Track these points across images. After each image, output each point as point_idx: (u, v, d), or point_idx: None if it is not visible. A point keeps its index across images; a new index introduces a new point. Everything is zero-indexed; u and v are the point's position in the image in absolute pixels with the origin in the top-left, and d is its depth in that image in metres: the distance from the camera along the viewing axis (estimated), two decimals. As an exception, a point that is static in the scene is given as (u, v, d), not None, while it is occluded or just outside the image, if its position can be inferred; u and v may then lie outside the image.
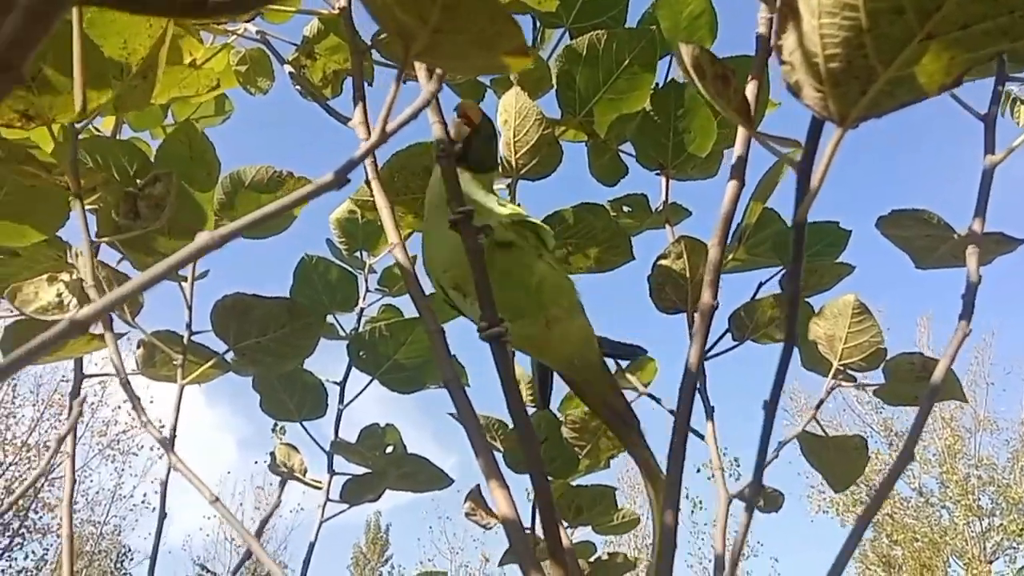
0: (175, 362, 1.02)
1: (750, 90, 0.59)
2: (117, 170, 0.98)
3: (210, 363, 0.95)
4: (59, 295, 1.14)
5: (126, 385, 0.71)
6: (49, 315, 1.13)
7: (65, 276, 1.14)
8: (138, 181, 0.86)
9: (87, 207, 0.93)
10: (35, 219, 1.04)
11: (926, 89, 0.34)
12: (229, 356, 1.00)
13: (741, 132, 0.65)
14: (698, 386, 0.72)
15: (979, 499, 14.44)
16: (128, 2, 0.25)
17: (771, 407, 0.46)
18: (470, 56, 0.30)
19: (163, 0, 0.26)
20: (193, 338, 1.07)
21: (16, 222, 1.04)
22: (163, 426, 0.86)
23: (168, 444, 0.70)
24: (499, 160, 0.88)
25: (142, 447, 15.09)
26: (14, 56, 0.21)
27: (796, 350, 1.04)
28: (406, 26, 0.30)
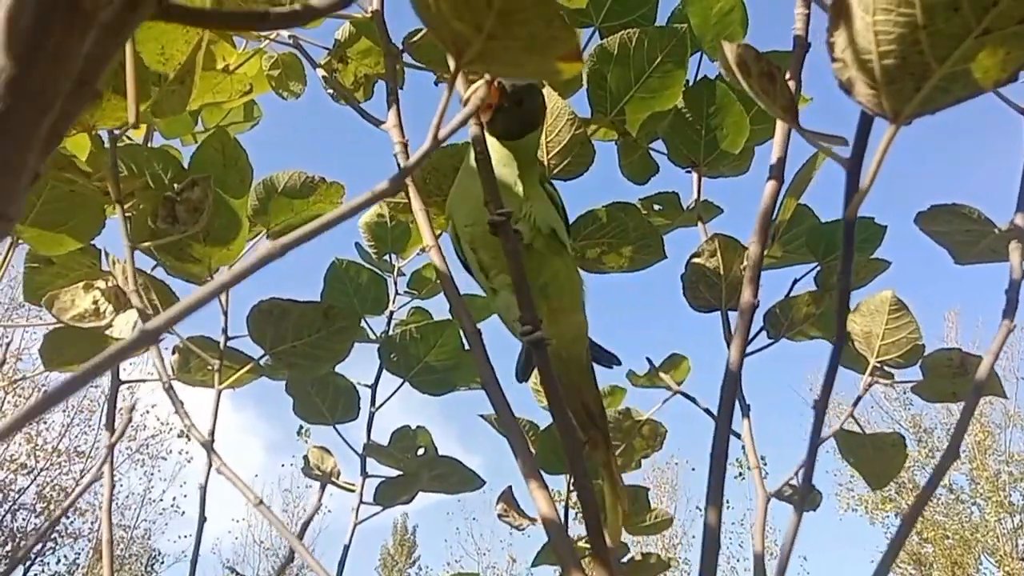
0: (211, 367, 1.03)
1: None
2: (152, 177, 0.99)
3: (246, 368, 0.96)
4: (95, 302, 1.15)
5: (169, 390, 0.71)
6: (86, 322, 1.14)
7: (100, 283, 1.15)
8: (175, 186, 0.87)
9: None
10: (72, 227, 1.05)
11: (982, 84, 0.33)
12: (264, 360, 1.00)
13: (780, 132, 0.64)
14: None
15: (1010, 495, 14.26)
16: (190, 15, 0.25)
17: (821, 407, 0.46)
18: (523, 62, 0.30)
19: (224, 14, 0.26)
20: (228, 343, 1.08)
21: (53, 231, 1.06)
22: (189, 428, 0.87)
23: (210, 447, 0.71)
24: (537, 119, 0.85)
25: (171, 451, 15.23)
26: (91, 72, 0.21)
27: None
28: (460, 34, 0.30)
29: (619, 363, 0.94)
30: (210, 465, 0.72)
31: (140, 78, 0.76)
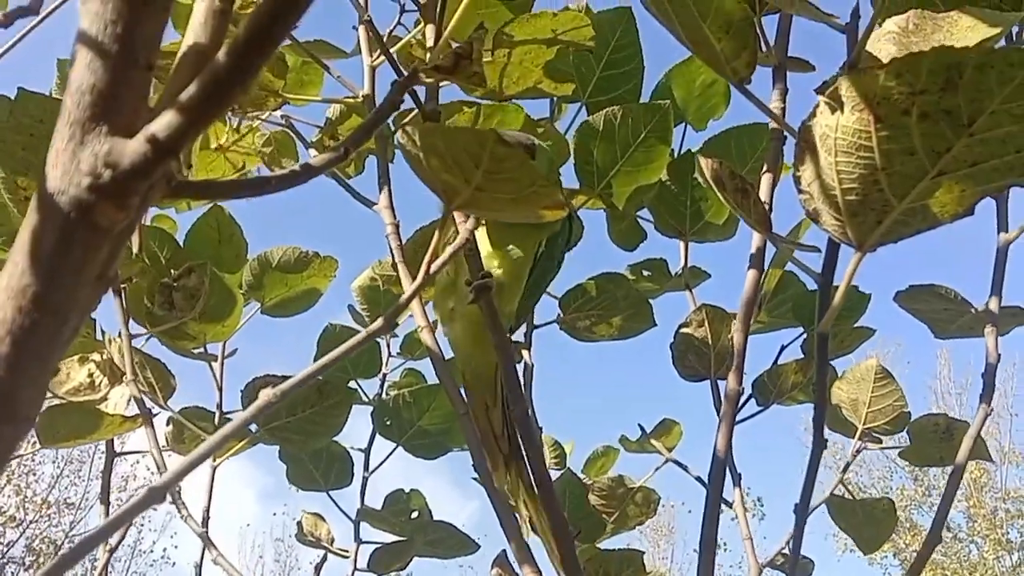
0: (205, 439, 1.04)
1: (765, 184, 0.61)
2: (148, 255, 1.01)
3: (242, 444, 0.97)
4: (90, 375, 1.16)
5: (161, 470, 0.72)
6: (81, 396, 1.15)
7: (95, 356, 1.16)
8: (172, 271, 0.89)
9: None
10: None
11: (940, 218, 0.35)
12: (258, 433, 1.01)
13: (757, 240, 0.66)
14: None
15: (1008, 532, 14.18)
16: (199, 190, 0.27)
17: (802, 510, 0.47)
18: (508, 209, 0.32)
19: (230, 184, 0.28)
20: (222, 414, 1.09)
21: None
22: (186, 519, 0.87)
23: (207, 539, 0.72)
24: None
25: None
26: (107, 266, 0.23)
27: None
28: (450, 184, 0.32)
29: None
30: (206, 556, 0.72)
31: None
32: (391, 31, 1.02)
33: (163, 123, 0.20)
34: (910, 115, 0.32)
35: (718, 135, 1.14)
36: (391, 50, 0.88)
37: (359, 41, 1.01)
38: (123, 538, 0.77)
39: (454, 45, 0.39)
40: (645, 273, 1.23)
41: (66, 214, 0.20)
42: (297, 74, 1.13)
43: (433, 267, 0.35)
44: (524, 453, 0.79)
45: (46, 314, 0.20)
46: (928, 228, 0.36)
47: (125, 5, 0.21)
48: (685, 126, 1.19)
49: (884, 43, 0.48)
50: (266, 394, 0.30)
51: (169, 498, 0.85)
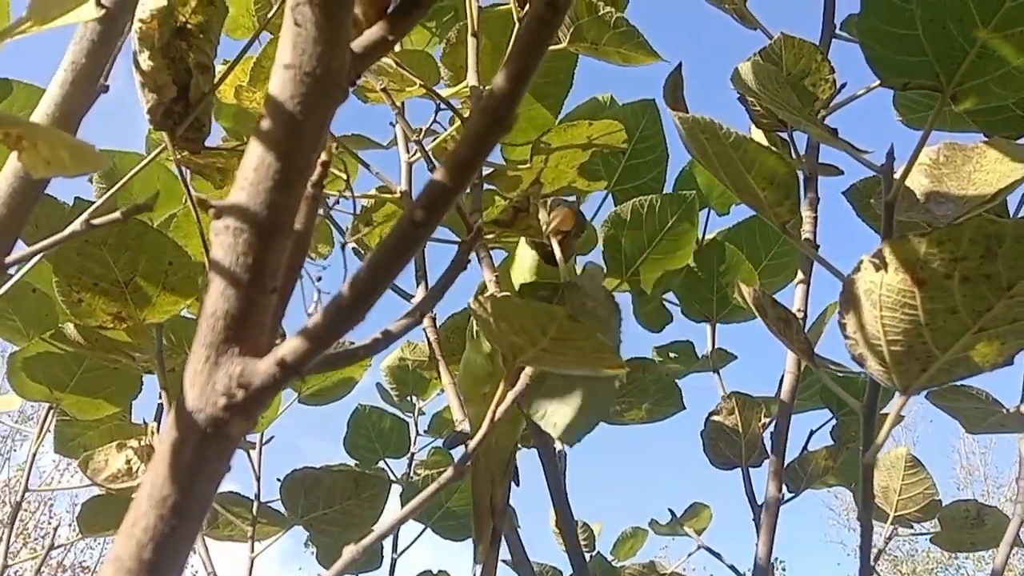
0: (243, 527, 1.05)
1: (799, 296, 0.63)
2: (189, 346, 1.04)
3: (278, 536, 0.99)
4: (128, 462, 1.18)
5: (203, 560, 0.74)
6: (119, 483, 1.17)
7: (133, 442, 1.19)
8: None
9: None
10: (109, 394, 1.09)
11: (981, 367, 0.37)
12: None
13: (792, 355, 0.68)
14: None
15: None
16: (324, 367, 0.29)
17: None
18: (572, 367, 0.35)
19: (336, 357, 0.30)
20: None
21: (92, 397, 1.10)
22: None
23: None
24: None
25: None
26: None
27: (851, 495, 1.05)
28: (515, 344, 0.34)
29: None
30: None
31: (187, 273, 0.81)
32: (429, 127, 1.06)
33: (290, 347, 0.23)
34: (952, 279, 0.34)
35: (742, 222, 1.16)
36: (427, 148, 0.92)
37: (395, 137, 1.05)
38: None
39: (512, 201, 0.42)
40: (672, 355, 1.25)
41: (203, 430, 0.23)
42: (335, 165, 1.16)
43: (498, 413, 0.37)
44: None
45: (184, 520, 0.22)
46: (970, 376, 0.38)
47: (256, 239, 0.23)
48: (709, 211, 1.22)
49: (917, 174, 0.50)
50: (350, 551, 0.32)
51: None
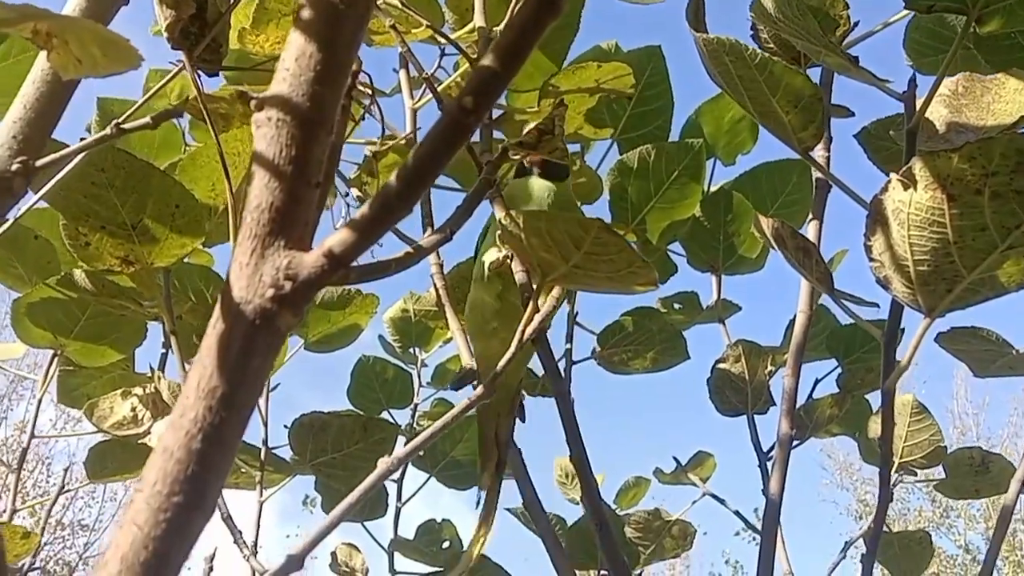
0: (251, 473, 1.06)
1: (812, 232, 0.63)
2: (194, 293, 1.03)
3: (286, 481, 0.99)
4: (133, 409, 1.18)
5: (228, 520, 0.74)
6: (124, 430, 1.18)
7: (138, 390, 1.19)
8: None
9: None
10: (114, 340, 1.09)
11: (1007, 287, 0.37)
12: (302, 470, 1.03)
13: (805, 288, 0.68)
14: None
15: (1027, 554, 14.04)
16: (361, 275, 0.29)
17: (869, 561, 0.49)
18: (603, 285, 0.34)
19: (365, 268, 0.29)
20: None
21: (96, 343, 1.10)
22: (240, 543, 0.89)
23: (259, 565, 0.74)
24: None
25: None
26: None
27: (856, 441, 1.06)
28: (547, 261, 0.34)
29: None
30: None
31: (194, 216, 0.80)
32: (432, 72, 1.05)
33: (338, 239, 0.23)
34: (982, 194, 0.34)
35: (749, 171, 1.16)
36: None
37: (399, 83, 1.04)
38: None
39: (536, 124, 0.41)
40: (676, 306, 1.25)
41: (251, 321, 0.22)
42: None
43: (527, 333, 0.37)
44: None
45: (232, 412, 0.22)
46: (995, 296, 0.38)
47: (299, 131, 0.23)
48: (715, 161, 1.21)
49: (936, 105, 0.50)
50: (384, 463, 0.32)
51: (243, 554, 0.86)
